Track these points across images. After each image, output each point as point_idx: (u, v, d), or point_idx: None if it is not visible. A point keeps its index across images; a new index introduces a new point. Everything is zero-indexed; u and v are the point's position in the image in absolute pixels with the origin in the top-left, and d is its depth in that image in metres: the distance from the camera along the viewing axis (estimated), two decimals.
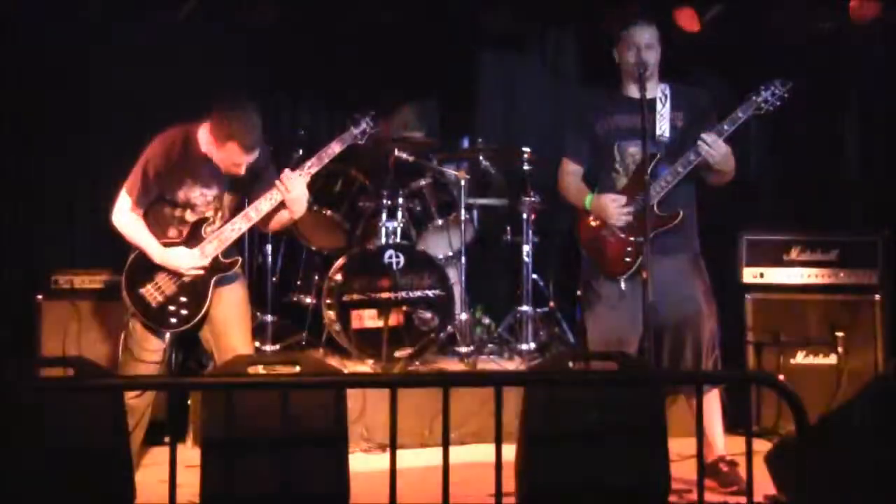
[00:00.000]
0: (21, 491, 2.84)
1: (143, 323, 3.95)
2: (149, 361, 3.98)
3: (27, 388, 2.88)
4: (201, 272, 3.95)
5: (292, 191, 3.92)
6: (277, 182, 3.92)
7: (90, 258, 5.43)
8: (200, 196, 3.96)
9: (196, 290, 3.96)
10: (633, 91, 4.03)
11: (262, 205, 3.97)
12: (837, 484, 2.76)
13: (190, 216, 3.98)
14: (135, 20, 5.50)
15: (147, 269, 3.94)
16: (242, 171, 3.89)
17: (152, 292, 3.93)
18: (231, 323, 4.04)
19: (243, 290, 4.16)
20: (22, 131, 5.42)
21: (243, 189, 4.06)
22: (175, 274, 3.93)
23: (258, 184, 4.02)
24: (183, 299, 3.94)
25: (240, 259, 4.12)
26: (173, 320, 3.94)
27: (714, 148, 3.89)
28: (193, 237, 3.98)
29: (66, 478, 2.83)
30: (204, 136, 3.91)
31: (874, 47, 5.55)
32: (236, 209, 4.06)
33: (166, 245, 3.95)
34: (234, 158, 3.83)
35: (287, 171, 3.97)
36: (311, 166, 4.02)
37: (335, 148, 4.08)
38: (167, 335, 3.98)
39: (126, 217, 3.93)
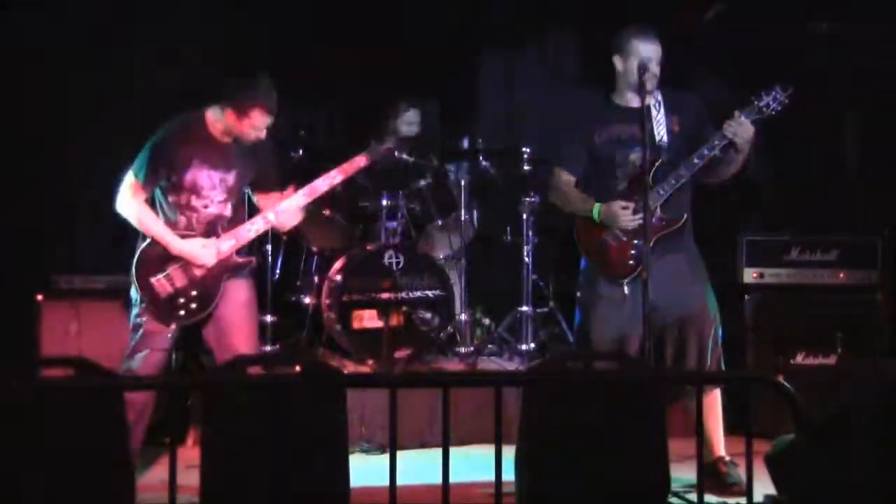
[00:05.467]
0: (21, 491, 2.84)
1: (152, 312, 3.92)
2: (157, 349, 3.95)
3: (27, 388, 2.88)
4: (214, 263, 3.93)
5: (285, 225, 4.17)
6: (270, 215, 4.07)
7: (91, 259, 5.43)
8: (207, 179, 3.94)
9: (207, 285, 3.94)
10: (629, 100, 4.05)
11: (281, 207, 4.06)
12: (837, 484, 2.76)
13: (195, 201, 3.95)
14: (136, 20, 5.51)
15: (159, 260, 3.91)
16: (263, 134, 3.95)
17: (163, 283, 3.89)
18: (236, 323, 4.02)
19: (251, 291, 4.14)
20: (23, 131, 5.42)
21: (249, 180, 4.10)
22: (187, 267, 3.91)
23: (264, 178, 4.11)
24: (193, 293, 3.92)
25: (254, 259, 4.12)
26: (181, 313, 3.92)
27: (742, 128, 3.88)
28: (209, 233, 3.97)
29: (66, 478, 2.83)
30: (215, 116, 3.94)
31: (873, 47, 5.55)
32: (241, 202, 4.09)
33: (183, 237, 3.93)
34: (257, 122, 3.89)
35: (283, 204, 4.07)
36: (306, 195, 4.10)
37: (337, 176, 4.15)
38: (173, 326, 3.95)
39: (135, 204, 3.90)
